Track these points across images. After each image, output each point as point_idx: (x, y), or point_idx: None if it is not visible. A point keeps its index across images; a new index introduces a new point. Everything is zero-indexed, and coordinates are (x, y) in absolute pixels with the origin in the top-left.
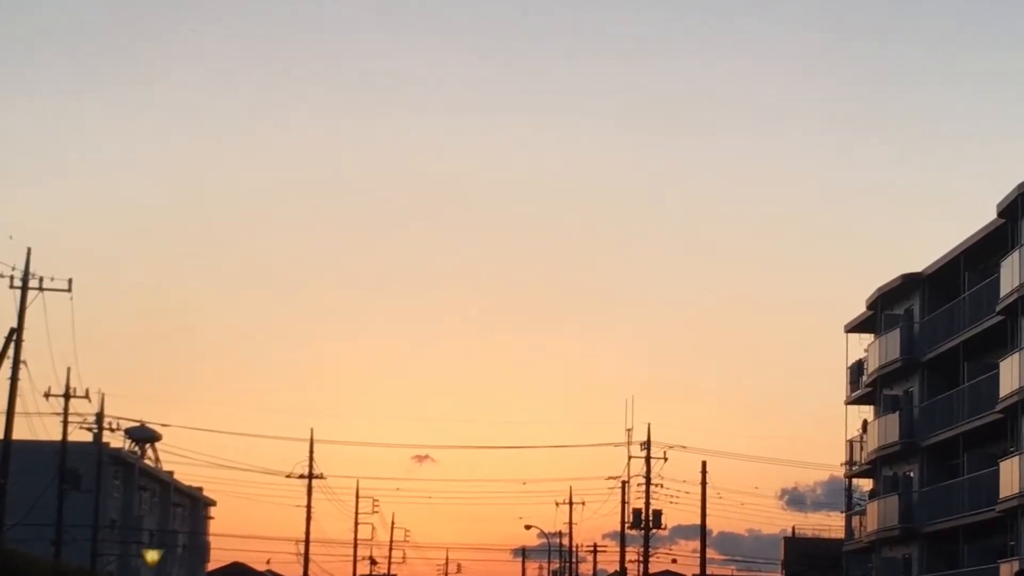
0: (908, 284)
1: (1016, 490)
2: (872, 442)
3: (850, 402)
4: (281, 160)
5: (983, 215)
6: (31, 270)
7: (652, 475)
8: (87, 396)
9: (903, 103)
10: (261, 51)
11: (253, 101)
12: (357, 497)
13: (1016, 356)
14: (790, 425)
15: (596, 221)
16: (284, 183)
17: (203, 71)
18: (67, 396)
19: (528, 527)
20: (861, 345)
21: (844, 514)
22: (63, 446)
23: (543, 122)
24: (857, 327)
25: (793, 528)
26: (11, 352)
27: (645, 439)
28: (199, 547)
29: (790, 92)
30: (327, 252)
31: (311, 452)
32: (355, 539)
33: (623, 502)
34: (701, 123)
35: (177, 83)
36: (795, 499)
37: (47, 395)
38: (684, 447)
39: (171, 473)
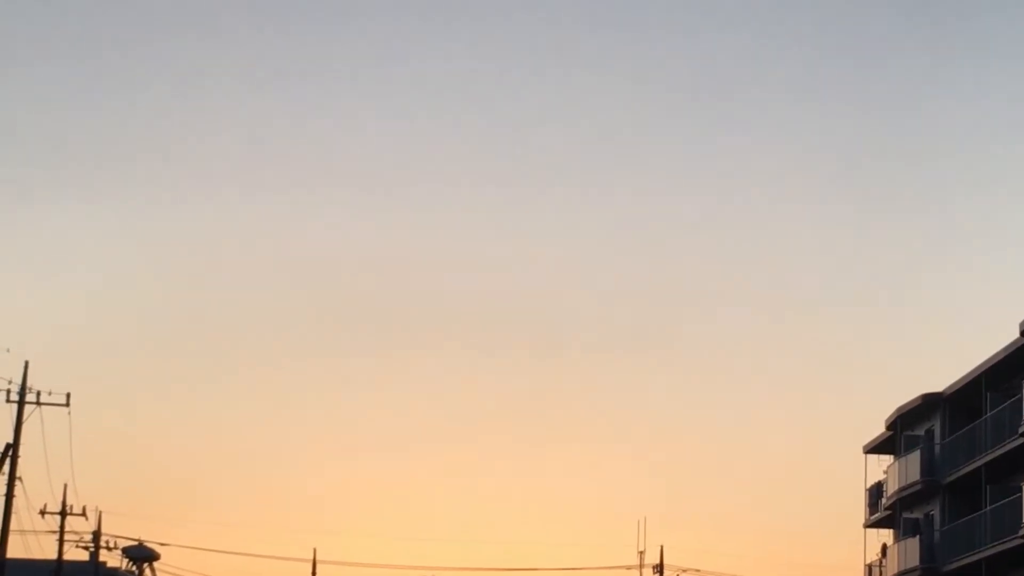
0: (928, 404)
1: None
2: (892, 567)
3: (869, 525)
4: (284, 276)
5: (1005, 334)
6: (28, 384)
7: None
8: (84, 514)
9: (923, 220)
10: (266, 160)
11: (258, 214)
12: None
13: None
14: (807, 548)
15: (609, 337)
16: (287, 299)
17: (206, 181)
18: (64, 513)
19: None
20: (880, 467)
21: None
22: (59, 565)
23: (546, 234)
24: (876, 448)
25: None
26: (7, 468)
27: (658, 562)
28: None
29: (807, 212)
30: (328, 371)
31: (314, 573)
32: None
33: None
34: (711, 241)
35: (177, 197)
36: None
37: (43, 512)
38: (698, 571)
39: None
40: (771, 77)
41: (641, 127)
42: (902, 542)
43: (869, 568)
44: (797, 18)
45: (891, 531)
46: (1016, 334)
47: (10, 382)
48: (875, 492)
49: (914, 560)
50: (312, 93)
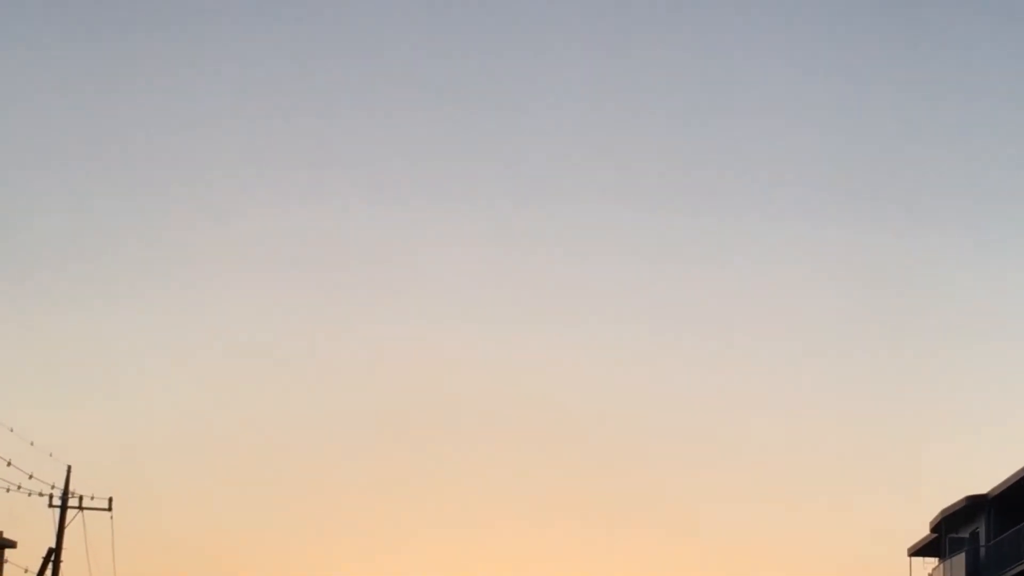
0: (973, 506)
1: None
2: None
3: None
4: (333, 380)
5: None
6: (71, 488)
7: None
8: None
9: (966, 318)
10: (313, 258)
11: (302, 318)
12: None
13: None
14: None
15: (650, 440)
16: (329, 401)
17: (247, 286)
18: None
19: None
20: (925, 570)
21: None
22: None
23: (576, 336)
24: (921, 551)
25: None
26: (49, 572)
27: None
28: None
29: (846, 309)
30: (375, 472)
31: None
32: None
33: None
34: (745, 343)
35: (211, 299)
36: None
37: None
38: None
39: None
40: None
41: None
42: None
43: None
44: None
45: None
46: None
47: (52, 487)
48: None
49: None
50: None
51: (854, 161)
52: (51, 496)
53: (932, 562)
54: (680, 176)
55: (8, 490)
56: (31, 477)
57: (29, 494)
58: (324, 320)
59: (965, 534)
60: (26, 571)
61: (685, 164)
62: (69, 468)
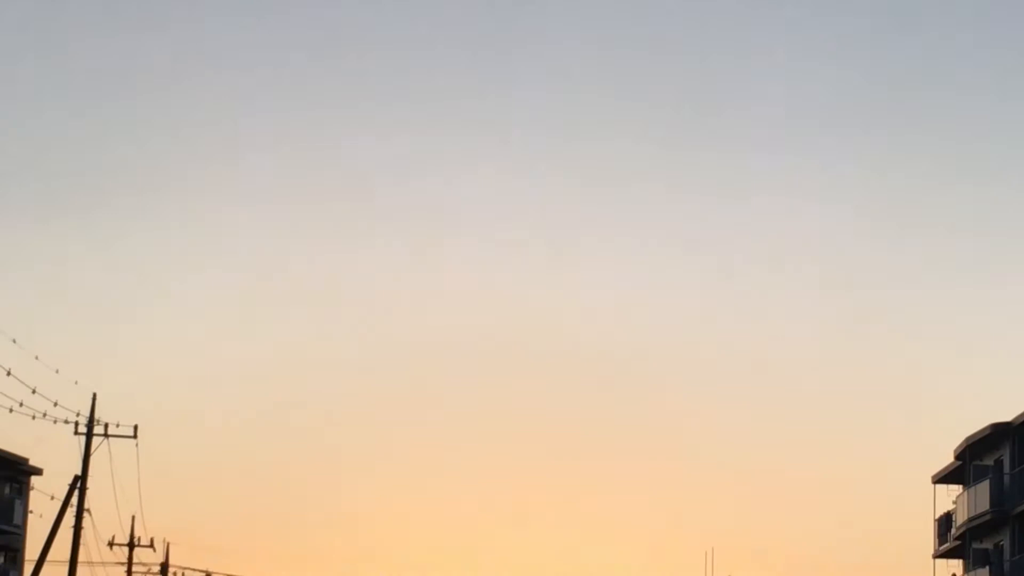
0: (997, 434)
1: None
2: None
3: (938, 556)
4: (356, 318)
5: None
6: (96, 416)
7: None
8: (152, 545)
9: (995, 248)
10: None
11: (334, 256)
12: None
13: None
14: None
15: (678, 369)
16: (353, 334)
17: (274, 219)
18: (132, 545)
19: None
20: (949, 497)
21: None
22: None
23: (622, 276)
24: (945, 478)
25: None
26: (75, 500)
27: None
28: None
29: (880, 236)
30: (398, 405)
31: None
32: None
33: None
34: (776, 263)
35: (253, 228)
36: None
37: (111, 544)
38: None
39: None
40: None
41: None
42: (972, 573)
43: None
44: None
45: (960, 562)
46: None
47: (78, 414)
48: (944, 523)
49: None
50: None
51: (871, 92)
52: (76, 424)
53: (956, 489)
54: (696, 112)
55: (34, 418)
56: (56, 405)
57: (55, 422)
58: (349, 251)
59: (989, 462)
60: (52, 498)
61: (700, 100)
62: (94, 396)
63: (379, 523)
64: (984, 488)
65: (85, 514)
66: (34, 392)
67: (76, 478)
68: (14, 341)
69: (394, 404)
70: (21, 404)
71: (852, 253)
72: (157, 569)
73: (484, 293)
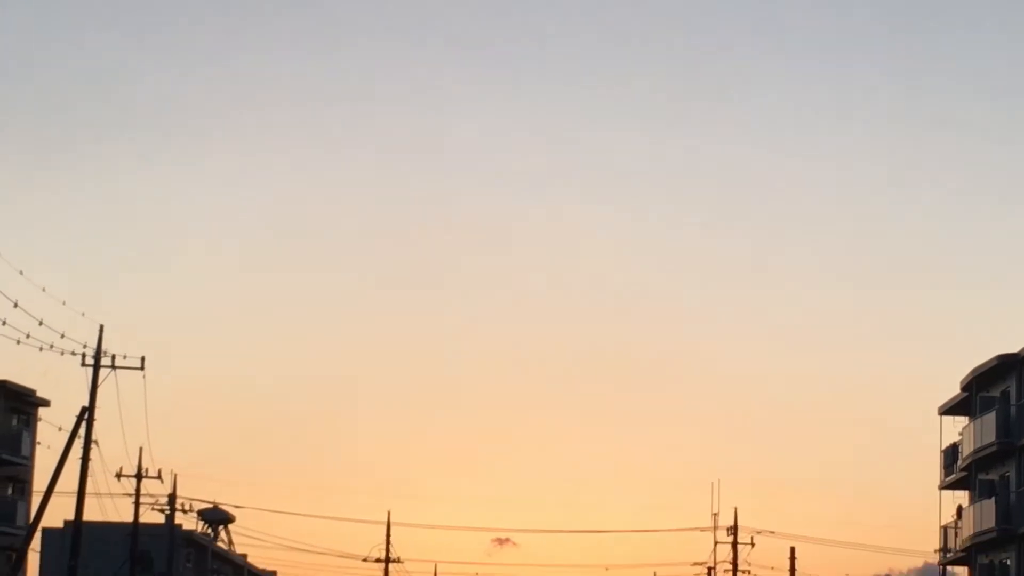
0: (1004, 365)
1: None
2: (967, 528)
3: (944, 487)
4: (359, 241)
5: None
6: (104, 348)
7: (739, 561)
8: (159, 477)
9: (1005, 175)
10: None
11: (333, 183)
12: None
13: None
14: (882, 510)
15: (684, 303)
16: (363, 263)
17: (283, 158)
18: (139, 477)
19: None
20: (955, 428)
21: None
22: (135, 528)
23: (614, 204)
24: (951, 409)
25: None
26: (82, 431)
27: (732, 524)
28: None
29: (884, 167)
30: (405, 335)
31: (388, 535)
32: None
33: None
34: (777, 199)
35: (256, 163)
36: None
37: (119, 476)
38: (772, 532)
39: (245, 556)
40: None
41: None
42: (977, 504)
43: (944, 530)
44: None
45: (966, 493)
46: None
47: (85, 346)
48: (950, 454)
49: (990, 522)
50: None
51: None
52: (84, 355)
53: (963, 421)
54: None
55: (41, 350)
56: (63, 337)
57: (62, 354)
58: (351, 185)
59: (996, 393)
60: (60, 429)
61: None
62: (101, 327)
63: (384, 456)
64: (990, 419)
65: (93, 446)
66: (41, 324)
67: (83, 409)
68: (21, 273)
69: (400, 337)
70: (28, 336)
71: (858, 186)
72: (165, 500)
73: (487, 223)
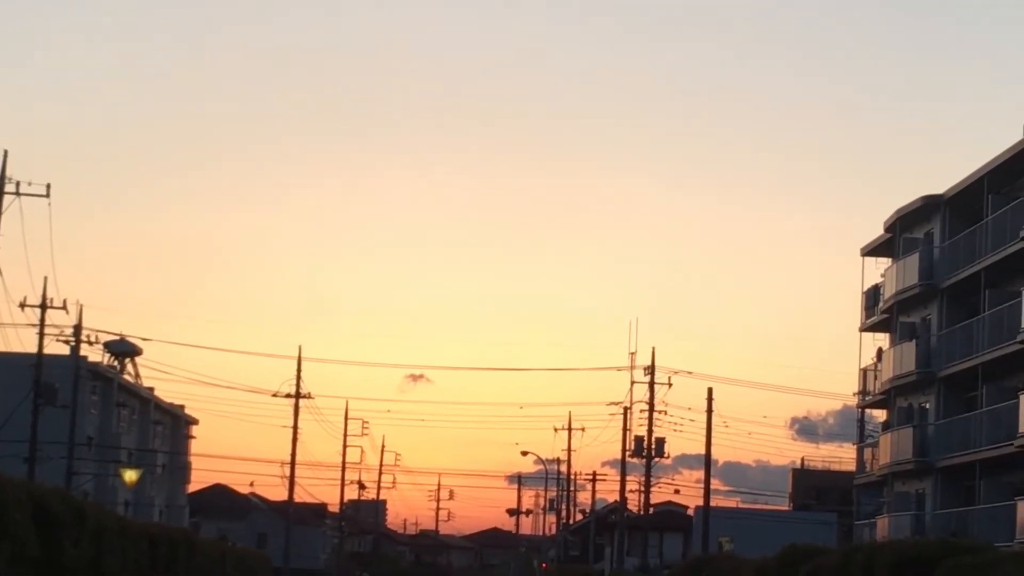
0: (928, 206)
1: None
2: (887, 371)
3: (865, 329)
4: (271, 63)
5: (1009, 136)
6: (7, 174)
7: (656, 401)
8: (64, 307)
9: (926, 23)
10: None
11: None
12: (346, 418)
13: None
14: (802, 352)
15: (604, 140)
16: (275, 88)
17: None
18: (44, 307)
19: (525, 453)
20: (878, 270)
21: (856, 446)
22: (39, 359)
23: (546, 26)
24: (874, 251)
25: (802, 459)
26: None
27: (649, 363)
28: (180, 467)
29: (810, 14)
30: (318, 167)
31: (299, 370)
32: (343, 462)
33: (624, 429)
34: (713, 33)
35: None
36: (805, 429)
37: (23, 305)
38: (690, 372)
39: (151, 389)
40: None
41: None
42: (898, 346)
43: (864, 372)
44: None
45: (887, 335)
46: (1020, 135)
47: None
48: (872, 296)
49: (910, 365)
50: None
51: None
52: None
53: (885, 262)
54: None
55: None
56: None
57: None
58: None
59: (919, 235)
60: None
61: None
62: (5, 153)
63: (295, 290)
64: (913, 261)
65: None
66: None
67: None
68: None
69: (315, 170)
70: None
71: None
72: (70, 332)
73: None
